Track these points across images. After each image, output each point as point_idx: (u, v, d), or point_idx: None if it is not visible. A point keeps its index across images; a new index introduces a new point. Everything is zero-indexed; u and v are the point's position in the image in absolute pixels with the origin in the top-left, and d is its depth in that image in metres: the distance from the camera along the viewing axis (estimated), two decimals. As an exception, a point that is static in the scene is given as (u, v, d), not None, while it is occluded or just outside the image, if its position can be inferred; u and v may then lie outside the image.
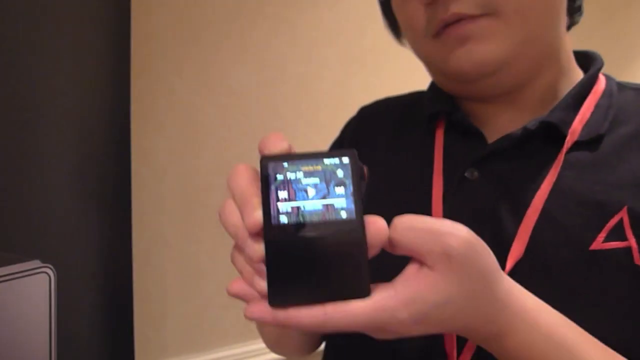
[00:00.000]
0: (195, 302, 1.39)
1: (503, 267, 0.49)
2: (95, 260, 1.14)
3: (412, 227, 0.39)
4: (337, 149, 0.68)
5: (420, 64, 0.66)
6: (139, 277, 1.25)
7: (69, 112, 1.03)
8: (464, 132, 0.62)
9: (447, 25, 0.55)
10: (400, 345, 0.50)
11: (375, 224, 0.38)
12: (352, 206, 0.39)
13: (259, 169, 0.40)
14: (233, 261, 0.42)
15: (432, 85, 0.70)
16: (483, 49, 0.54)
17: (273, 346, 0.78)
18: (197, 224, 1.39)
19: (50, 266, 1.06)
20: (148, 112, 1.26)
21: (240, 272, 0.41)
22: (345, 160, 0.40)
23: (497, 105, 0.62)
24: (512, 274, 0.48)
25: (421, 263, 0.40)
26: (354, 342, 0.57)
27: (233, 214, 0.40)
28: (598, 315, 0.49)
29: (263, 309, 0.38)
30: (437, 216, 0.57)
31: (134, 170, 1.18)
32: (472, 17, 0.53)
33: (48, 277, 1.06)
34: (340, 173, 0.40)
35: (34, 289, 1.03)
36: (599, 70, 0.62)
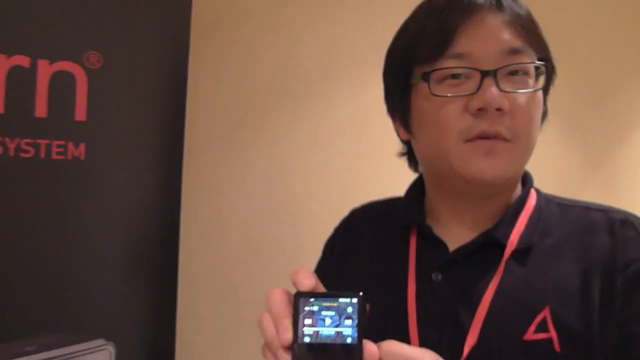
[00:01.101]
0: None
1: (461, 351, 0.68)
2: (142, 335, 1.24)
3: (393, 353, 0.55)
4: (330, 249, 0.91)
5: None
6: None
7: (124, 208, 1.27)
8: (431, 239, 0.77)
9: (482, 135, 0.68)
10: None
11: (370, 349, 0.54)
12: (356, 335, 0.54)
13: (291, 294, 0.58)
14: (263, 353, 0.60)
15: (408, 194, 0.86)
16: (504, 166, 0.69)
17: None
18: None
19: (112, 343, 1.24)
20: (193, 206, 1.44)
21: None
22: (354, 300, 0.55)
23: (464, 207, 0.77)
24: (469, 357, 0.68)
25: None
26: None
27: (269, 327, 0.57)
28: None
29: None
30: (412, 312, 0.74)
31: (181, 258, 1.31)
32: (503, 139, 0.68)
33: (109, 353, 1.23)
34: (349, 309, 0.55)
35: (98, 364, 1.23)
36: (530, 188, 0.78)
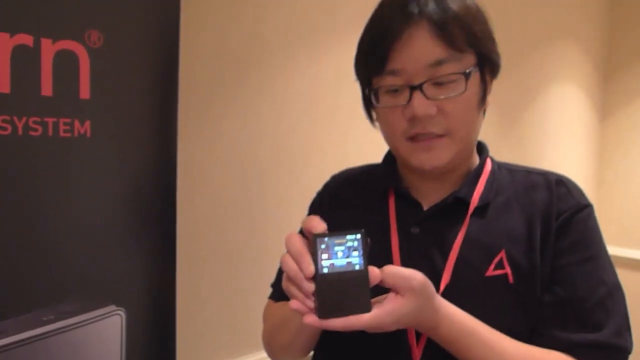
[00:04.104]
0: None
1: (438, 288, 0.82)
2: (144, 296, 1.32)
3: (392, 273, 0.72)
4: (317, 209, 1.04)
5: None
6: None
7: (127, 181, 1.36)
8: (407, 199, 0.93)
9: (419, 135, 0.84)
10: (378, 335, 0.75)
11: (374, 272, 0.70)
12: (362, 262, 0.69)
13: (303, 236, 0.73)
14: (285, 289, 0.73)
15: (386, 159, 1.01)
16: (439, 157, 0.84)
17: (271, 339, 1.03)
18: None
19: (122, 309, 1.32)
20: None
21: (295, 296, 0.70)
22: (358, 236, 0.70)
23: (431, 179, 0.92)
24: (444, 292, 0.83)
25: (397, 292, 0.72)
26: (344, 338, 0.82)
27: (292, 265, 0.70)
28: (490, 312, 0.82)
29: (315, 319, 0.68)
30: (396, 258, 0.89)
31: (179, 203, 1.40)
32: (437, 136, 0.83)
33: (120, 318, 1.31)
34: (355, 243, 0.69)
35: (109, 329, 1.30)
36: (486, 157, 0.95)
